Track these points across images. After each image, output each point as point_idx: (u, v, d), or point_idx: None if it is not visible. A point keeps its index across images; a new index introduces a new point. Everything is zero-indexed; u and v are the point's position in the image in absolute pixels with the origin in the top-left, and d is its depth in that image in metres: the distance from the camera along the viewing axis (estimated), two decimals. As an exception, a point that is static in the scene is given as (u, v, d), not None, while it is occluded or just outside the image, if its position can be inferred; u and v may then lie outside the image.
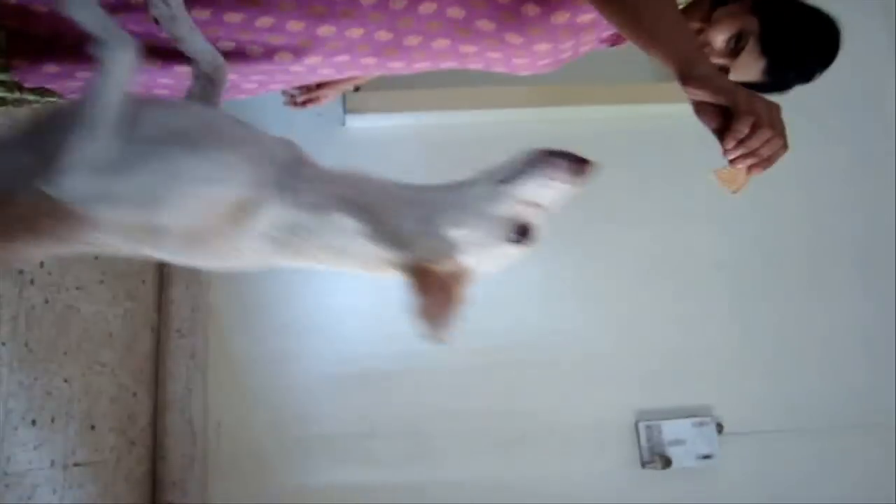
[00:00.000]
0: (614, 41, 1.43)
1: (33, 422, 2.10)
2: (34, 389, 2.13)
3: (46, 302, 2.24)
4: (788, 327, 3.00)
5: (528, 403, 2.84)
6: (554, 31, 1.30)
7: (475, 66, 1.43)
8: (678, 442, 2.83)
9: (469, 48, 1.35)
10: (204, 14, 1.24)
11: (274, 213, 1.01)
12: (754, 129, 0.98)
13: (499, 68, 1.44)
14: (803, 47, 1.33)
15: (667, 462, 2.79)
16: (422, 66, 1.41)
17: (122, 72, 0.96)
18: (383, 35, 1.30)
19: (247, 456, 2.89)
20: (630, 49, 1.43)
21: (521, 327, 2.90)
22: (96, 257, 2.51)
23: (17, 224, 1.01)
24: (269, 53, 1.30)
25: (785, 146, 1.01)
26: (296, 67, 1.34)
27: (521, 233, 1.00)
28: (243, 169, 0.99)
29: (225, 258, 1.06)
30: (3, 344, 2.02)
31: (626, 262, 2.97)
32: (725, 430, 2.86)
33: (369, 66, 1.38)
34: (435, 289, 1.02)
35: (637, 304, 2.94)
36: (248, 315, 2.92)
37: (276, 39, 1.28)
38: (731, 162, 1.03)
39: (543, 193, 1.00)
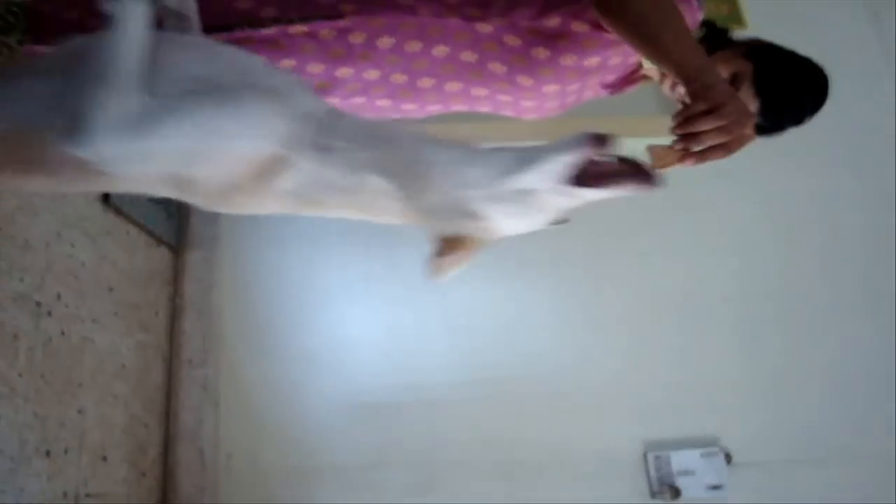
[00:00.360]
0: (615, 89, 1.48)
1: (47, 453, 2.12)
2: (49, 420, 2.16)
3: (62, 334, 2.27)
4: (794, 359, 3.01)
5: (537, 434, 2.85)
6: (562, 73, 1.36)
7: (484, 108, 1.48)
8: (687, 472, 2.82)
9: (481, 91, 1.40)
10: None
11: (307, 171, 0.97)
12: (708, 113, 1.03)
13: (507, 111, 1.49)
14: (795, 91, 1.39)
15: (676, 493, 2.79)
16: (434, 108, 1.46)
17: (138, 23, 0.93)
18: (398, 77, 1.35)
19: (257, 486, 2.90)
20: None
21: (530, 358, 2.92)
22: (111, 289, 2.55)
23: (32, 164, 0.98)
24: None
25: (727, 150, 1.06)
26: None
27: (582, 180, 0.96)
28: (279, 125, 0.95)
29: (247, 208, 1.04)
30: (20, 375, 2.05)
31: (635, 295, 2.99)
32: (734, 460, 2.86)
33: (384, 109, 1.42)
34: (451, 248, 1.03)
35: (645, 336, 2.96)
36: (259, 346, 2.95)
37: None
38: (675, 142, 1.06)
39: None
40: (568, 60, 1.33)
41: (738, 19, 3.50)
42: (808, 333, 3.04)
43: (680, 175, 3.11)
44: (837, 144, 3.13)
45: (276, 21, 1.28)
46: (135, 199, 2.67)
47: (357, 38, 1.30)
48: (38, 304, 2.16)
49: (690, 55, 1.12)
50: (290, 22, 1.28)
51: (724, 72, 1.33)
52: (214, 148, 0.93)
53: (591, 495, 2.82)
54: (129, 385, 2.60)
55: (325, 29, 1.29)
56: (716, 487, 2.82)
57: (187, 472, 2.83)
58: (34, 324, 2.14)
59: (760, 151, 1.36)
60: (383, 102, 1.40)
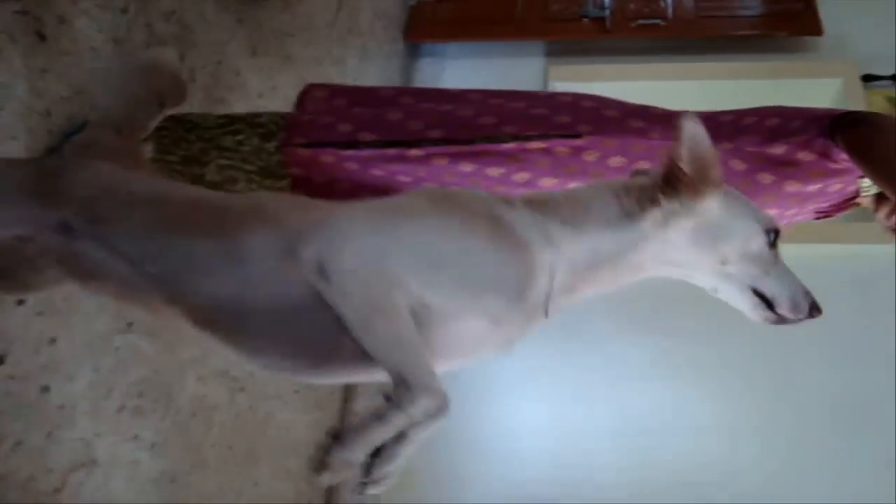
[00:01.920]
0: (826, 215, 1.48)
1: (224, 523, 2.23)
2: (227, 495, 2.27)
3: (250, 408, 2.40)
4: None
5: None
6: (784, 198, 1.38)
7: None
8: None
9: None
10: (468, 167, 1.40)
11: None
12: None
13: None
14: None
15: None
16: None
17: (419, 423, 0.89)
18: None
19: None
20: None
21: (696, 464, 2.78)
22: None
23: None
24: None
25: None
26: None
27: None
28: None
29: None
30: (213, 446, 2.18)
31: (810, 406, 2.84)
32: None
33: None
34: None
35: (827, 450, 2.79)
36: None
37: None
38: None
39: None
40: (791, 187, 1.36)
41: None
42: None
43: (859, 282, 2.89)
44: None
45: (515, 137, 1.40)
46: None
47: (590, 157, 1.39)
48: (235, 378, 2.30)
49: None
50: (529, 139, 1.39)
51: None
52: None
53: None
54: (301, 461, 2.69)
55: (561, 147, 1.39)
56: None
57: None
58: (230, 398, 2.28)
59: None
60: None
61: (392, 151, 1.43)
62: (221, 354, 2.15)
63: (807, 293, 1.06)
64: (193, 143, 1.54)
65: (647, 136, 1.38)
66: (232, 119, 1.57)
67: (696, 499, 2.71)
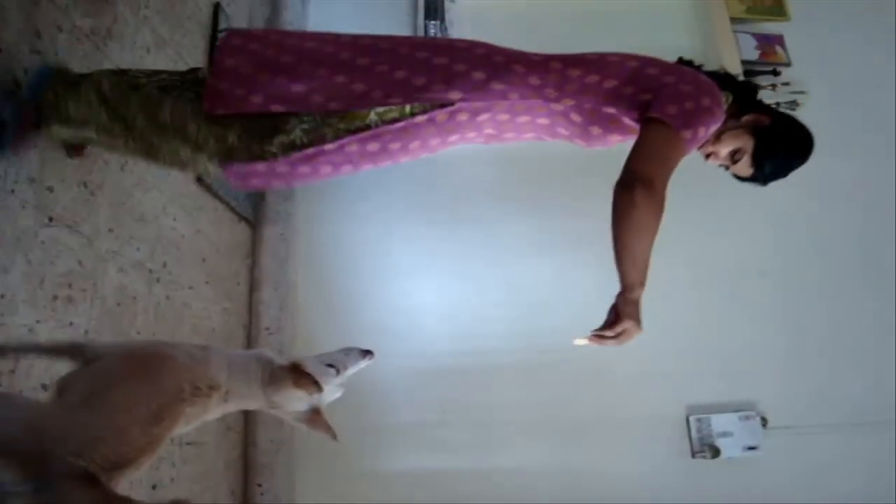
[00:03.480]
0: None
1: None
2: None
3: (168, 298, 2.53)
4: (830, 328, 3.22)
5: (587, 398, 3.08)
6: (609, 143, 1.85)
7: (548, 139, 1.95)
8: (726, 434, 3.06)
9: (548, 139, 1.93)
10: (374, 147, 1.77)
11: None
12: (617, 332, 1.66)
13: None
14: (784, 166, 1.83)
15: (715, 452, 3.02)
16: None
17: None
18: (490, 131, 1.84)
19: (328, 443, 3.15)
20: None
21: (581, 327, 3.13)
22: (204, 260, 2.81)
23: None
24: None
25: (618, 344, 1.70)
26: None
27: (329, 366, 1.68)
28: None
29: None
30: (139, 333, 2.31)
31: (682, 269, 3.17)
32: (769, 423, 3.09)
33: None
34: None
35: (689, 309, 3.17)
36: (331, 315, 3.19)
37: None
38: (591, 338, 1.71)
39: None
40: (613, 138, 1.81)
41: (781, 12, 3.67)
42: (843, 304, 3.25)
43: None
44: (873, 131, 3.33)
45: (402, 115, 1.73)
46: (220, 178, 2.91)
47: (463, 117, 1.74)
48: (151, 270, 2.42)
49: (637, 274, 1.67)
50: (414, 115, 1.72)
51: (731, 145, 1.81)
52: None
53: (638, 454, 3.07)
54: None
55: (441, 115, 1.73)
56: (752, 448, 3.05)
57: (266, 428, 3.09)
58: (148, 289, 2.40)
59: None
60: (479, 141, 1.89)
61: (311, 150, 1.73)
62: (135, 245, 2.28)
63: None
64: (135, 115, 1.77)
65: (507, 98, 1.72)
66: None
67: (584, 356, 3.07)
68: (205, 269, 2.82)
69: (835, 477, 3.04)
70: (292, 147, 1.72)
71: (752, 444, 3.06)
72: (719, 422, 3.08)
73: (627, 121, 1.73)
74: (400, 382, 3.12)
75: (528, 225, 3.26)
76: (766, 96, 3.57)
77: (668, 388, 3.11)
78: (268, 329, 3.16)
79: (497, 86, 1.71)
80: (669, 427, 3.12)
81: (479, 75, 1.70)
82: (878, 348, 3.20)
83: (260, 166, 1.75)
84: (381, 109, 1.70)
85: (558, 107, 1.74)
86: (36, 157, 1.84)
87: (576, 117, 1.76)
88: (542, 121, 1.79)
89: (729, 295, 3.22)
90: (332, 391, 1.70)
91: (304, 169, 1.77)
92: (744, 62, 3.60)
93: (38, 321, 1.83)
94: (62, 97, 1.74)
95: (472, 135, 1.80)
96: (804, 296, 3.25)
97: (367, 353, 1.78)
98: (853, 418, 3.11)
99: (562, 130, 1.81)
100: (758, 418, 3.08)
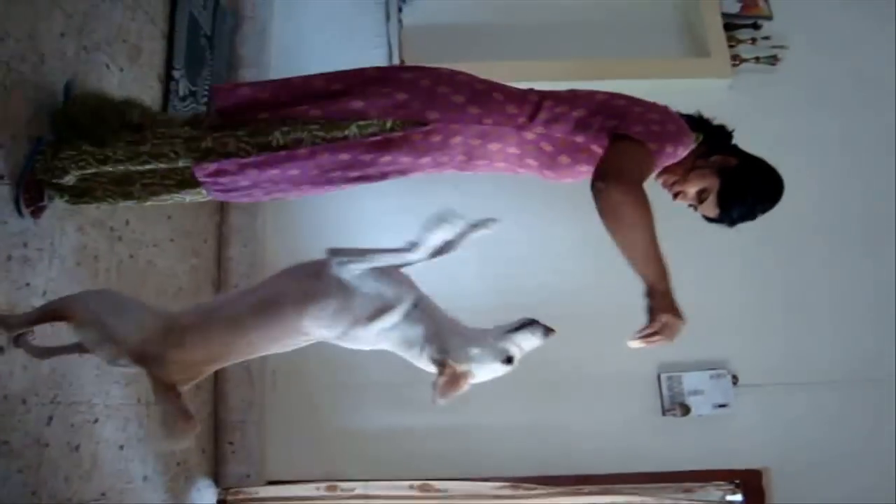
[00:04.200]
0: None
1: (124, 363, 2.34)
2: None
3: (131, 257, 2.47)
4: (800, 287, 3.23)
5: (561, 355, 3.02)
6: (578, 175, 1.85)
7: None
8: (696, 392, 3.08)
9: (520, 171, 1.92)
10: (345, 157, 1.81)
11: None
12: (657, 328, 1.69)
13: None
14: (749, 205, 1.86)
15: (686, 410, 3.04)
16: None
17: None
18: (461, 158, 1.86)
19: (300, 401, 3.15)
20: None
21: (552, 284, 3.12)
22: (169, 217, 2.74)
23: None
24: None
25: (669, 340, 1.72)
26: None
27: (508, 360, 1.71)
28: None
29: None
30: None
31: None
32: (740, 381, 3.11)
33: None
34: (450, 377, 1.67)
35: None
36: (302, 272, 3.14)
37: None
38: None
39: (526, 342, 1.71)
40: (582, 168, 1.81)
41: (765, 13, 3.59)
42: (813, 263, 3.26)
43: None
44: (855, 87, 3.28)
45: (381, 130, 1.77)
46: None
47: (436, 138, 1.78)
48: (112, 228, 2.36)
49: (653, 268, 1.73)
50: (392, 130, 1.77)
51: (698, 184, 1.85)
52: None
53: (609, 411, 3.08)
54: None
55: (416, 134, 1.78)
56: (722, 406, 3.08)
57: (236, 386, 3.07)
58: (109, 247, 2.34)
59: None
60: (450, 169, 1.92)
61: (283, 153, 1.77)
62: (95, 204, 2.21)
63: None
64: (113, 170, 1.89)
65: (481, 123, 1.77)
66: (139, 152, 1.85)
67: (555, 312, 3.05)
68: (170, 226, 2.76)
69: (804, 434, 3.08)
70: (267, 147, 1.77)
71: (722, 401, 3.08)
72: (690, 380, 3.09)
73: (596, 148, 1.77)
74: (371, 340, 3.08)
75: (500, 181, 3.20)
76: (747, 50, 3.52)
77: (639, 347, 3.10)
78: (237, 286, 3.11)
79: (473, 109, 1.77)
80: (640, 384, 3.13)
81: (458, 99, 1.77)
82: (846, 307, 3.21)
83: (230, 164, 1.80)
84: (362, 123, 1.76)
85: (529, 135, 1.79)
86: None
87: (546, 146, 1.81)
88: (513, 150, 1.83)
89: (701, 254, 3.19)
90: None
91: (273, 171, 1.81)
92: (724, 15, 3.53)
93: (-10, 283, 1.77)
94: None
95: (444, 159, 1.84)
96: (776, 253, 3.23)
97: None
98: (823, 377, 3.14)
99: (531, 161, 1.84)
100: (728, 376, 3.10)
